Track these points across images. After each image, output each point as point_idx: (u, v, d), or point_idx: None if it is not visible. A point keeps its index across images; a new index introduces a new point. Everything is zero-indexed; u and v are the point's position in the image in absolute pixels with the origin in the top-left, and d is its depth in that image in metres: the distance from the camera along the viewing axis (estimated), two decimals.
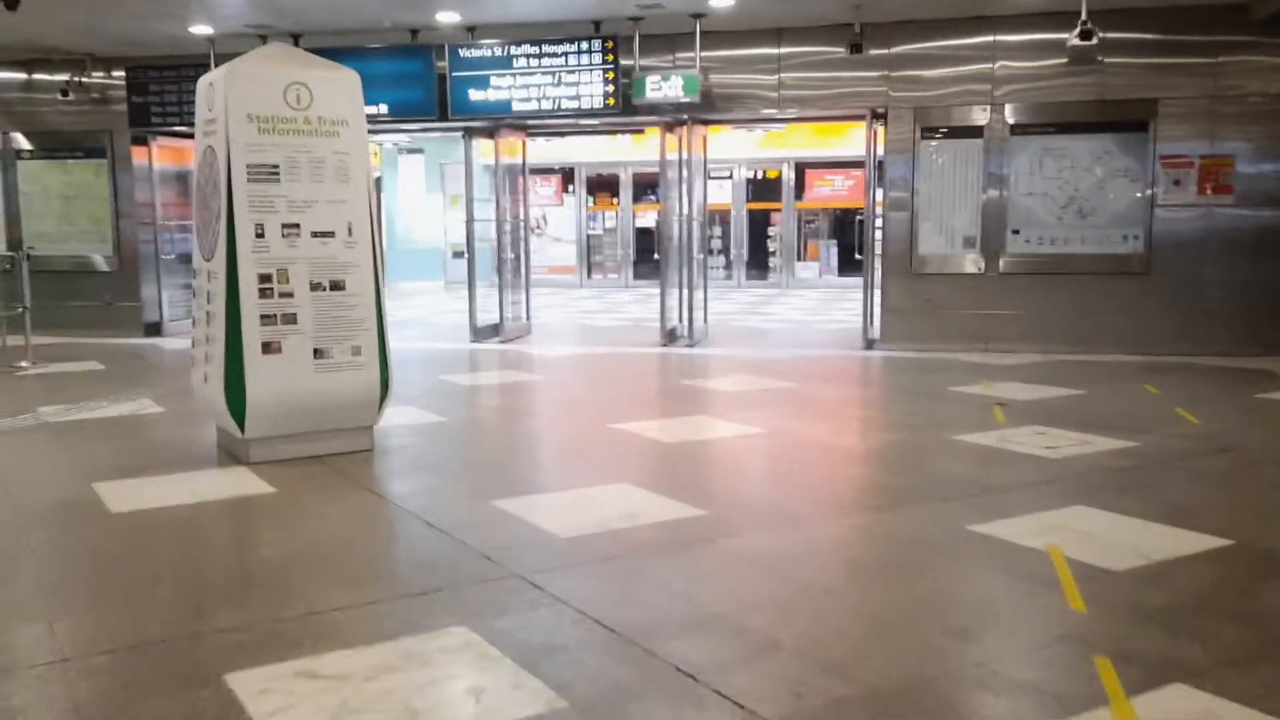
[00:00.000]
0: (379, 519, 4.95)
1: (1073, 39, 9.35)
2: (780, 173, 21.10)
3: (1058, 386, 8.44)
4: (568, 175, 22.04)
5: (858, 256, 13.35)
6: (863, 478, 5.86)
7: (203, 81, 5.97)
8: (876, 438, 6.74)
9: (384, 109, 10.94)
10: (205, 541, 4.64)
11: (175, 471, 5.66)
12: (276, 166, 5.63)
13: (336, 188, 5.81)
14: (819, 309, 16.24)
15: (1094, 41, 9.23)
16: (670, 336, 11.71)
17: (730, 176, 21.30)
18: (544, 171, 21.98)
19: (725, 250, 21.67)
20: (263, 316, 5.65)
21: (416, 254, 21.55)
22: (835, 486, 5.67)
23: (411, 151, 21.33)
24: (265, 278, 5.65)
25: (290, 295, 5.71)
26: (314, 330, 5.79)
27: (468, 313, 11.99)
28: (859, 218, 21.07)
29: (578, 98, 10.56)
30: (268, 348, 5.67)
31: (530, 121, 11.34)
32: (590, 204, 22.20)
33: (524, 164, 12.60)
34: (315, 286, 5.78)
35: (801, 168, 20.94)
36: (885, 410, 7.67)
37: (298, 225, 5.69)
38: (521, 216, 12.68)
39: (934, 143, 10.59)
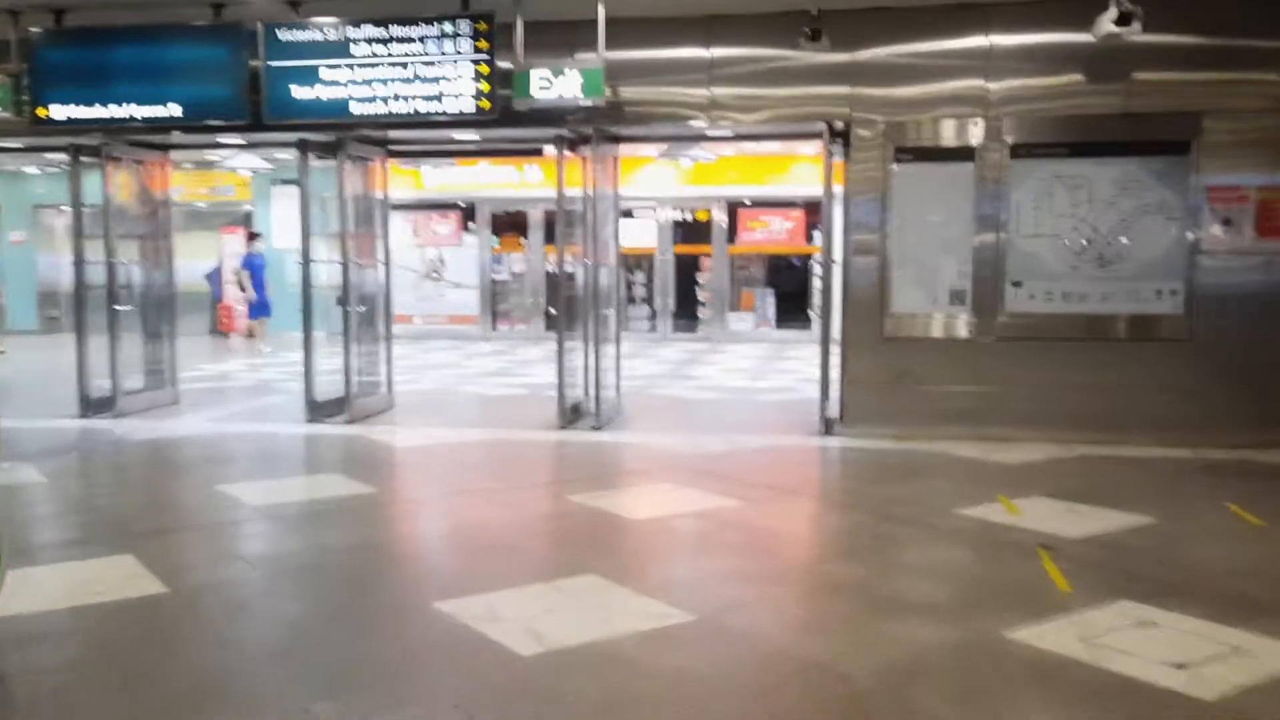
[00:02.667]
0: None
1: (1105, 23, 6.95)
2: (710, 213, 18.62)
3: (1107, 507, 5.89)
4: (468, 211, 19.30)
5: (811, 314, 10.82)
6: None
7: None
8: (890, 650, 4.02)
9: (176, 110, 8.12)
10: None
11: None
12: None
13: None
14: (758, 369, 13.66)
15: (1135, 26, 6.83)
16: (573, 414, 8.99)
17: (655, 214, 18.74)
18: (440, 206, 19.24)
19: (649, 299, 19.07)
20: None
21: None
22: None
23: (287, 182, 18.44)
24: None
25: None
26: None
27: (304, 383, 9.15)
28: (806, 262, 18.82)
29: (439, 98, 7.85)
30: None
31: (374, 130, 8.58)
32: (495, 245, 19.47)
33: (384, 191, 9.83)
34: None
35: (734, 207, 18.48)
36: (882, 566, 4.99)
37: None
38: (382, 258, 9.88)
39: (911, 168, 8.09)
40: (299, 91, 7.98)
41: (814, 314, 18.14)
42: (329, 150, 9.00)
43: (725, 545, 5.20)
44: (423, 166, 17.77)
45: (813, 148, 16.20)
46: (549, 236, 19.12)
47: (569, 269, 9.06)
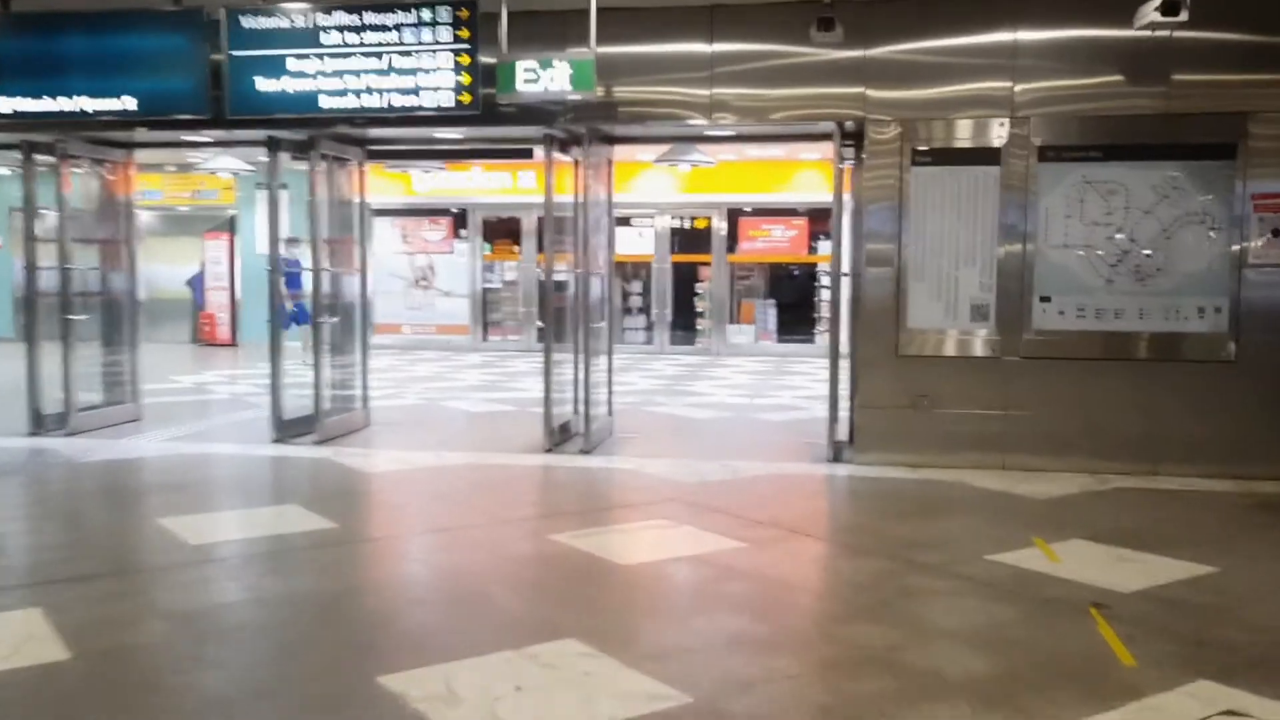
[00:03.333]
0: None
1: (1148, 11, 6.30)
2: (710, 221, 17.96)
3: (1158, 553, 5.21)
4: (459, 217, 18.64)
5: (819, 330, 10.17)
6: None
7: None
8: None
9: (130, 104, 7.45)
10: None
11: None
12: None
13: None
14: (759, 385, 12.98)
15: (1182, 15, 6.18)
16: (561, 435, 8.32)
17: (652, 221, 18.08)
18: (431, 212, 18.58)
19: (646, 310, 18.40)
20: None
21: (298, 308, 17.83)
22: None
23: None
24: None
25: None
26: None
27: (270, 399, 8.46)
28: (810, 272, 18.13)
29: (416, 91, 7.18)
30: None
31: (347, 126, 7.91)
32: (487, 252, 18.80)
33: (362, 194, 9.16)
34: None
35: (734, 215, 17.82)
36: (911, 629, 4.30)
37: None
38: (359, 265, 9.21)
39: (929, 171, 7.43)
40: (264, 84, 7.30)
41: (818, 327, 17.50)
42: (301, 149, 8.34)
43: (728, 600, 4.51)
44: (412, 171, 17.09)
45: (818, 152, 15.58)
46: (543, 244, 18.49)
47: (557, 278, 8.41)
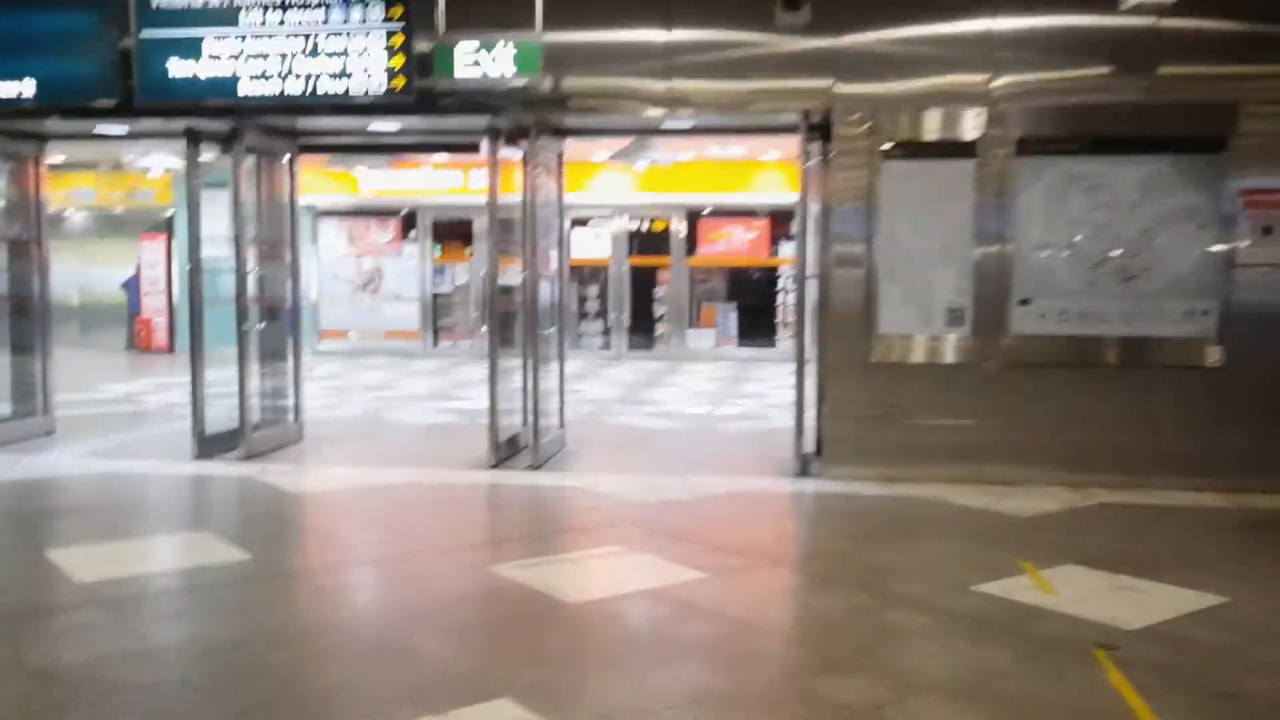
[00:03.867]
0: None
1: None
2: (668, 223, 17.43)
3: (1159, 580, 4.75)
4: (408, 219, 17.96)
5: (781, 335, 9.69)
6: None
7: None
8: None
9: (28, 88, 6.78)
10: None
11: None
12: None
13: None
14: (720, 392, 12.46)
15: None
16: (509, 449, 7.75)
17: (609, 223, 17.53)
18: (378, 213, 17.89)
19: (603, 314, 17.84)
20: None
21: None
22: None
23: (211, 185, 16.99)
24: None
25: None
26: None
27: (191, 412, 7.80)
28: (771, 275, 17.59)
29: (345, 76, 6.57)
30: None
31: (271, 115, 7.29)
32: (437, 254, 18.14)
33: (294, 191, 8.52)
34: None
35: (694, 216, 17.31)
36: (895, 680, 3.78)
37: None
38: (289, 263, 8.57)
39: (902, 166, 6.95)
40: (177, 68, 6.67)
41: (780, 332, 17.04)
42: (225, 142, 7.70)
43: (688, 646, 3.96)
44: (357, 170, 16.41)
45: (779, 151, 15.11)
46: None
47: (505, 282, 7.85)
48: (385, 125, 7.98)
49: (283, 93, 6.65)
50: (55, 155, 18.07)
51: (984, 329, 6.94)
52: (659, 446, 8.75)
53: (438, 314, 18.24)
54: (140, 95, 6.78)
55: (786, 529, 6.15)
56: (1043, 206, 6.86)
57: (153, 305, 18.37)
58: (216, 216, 8.12)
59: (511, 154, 7.61)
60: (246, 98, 6.74)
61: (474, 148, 8.78)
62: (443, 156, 16.50)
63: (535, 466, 7.43)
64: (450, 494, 6.67)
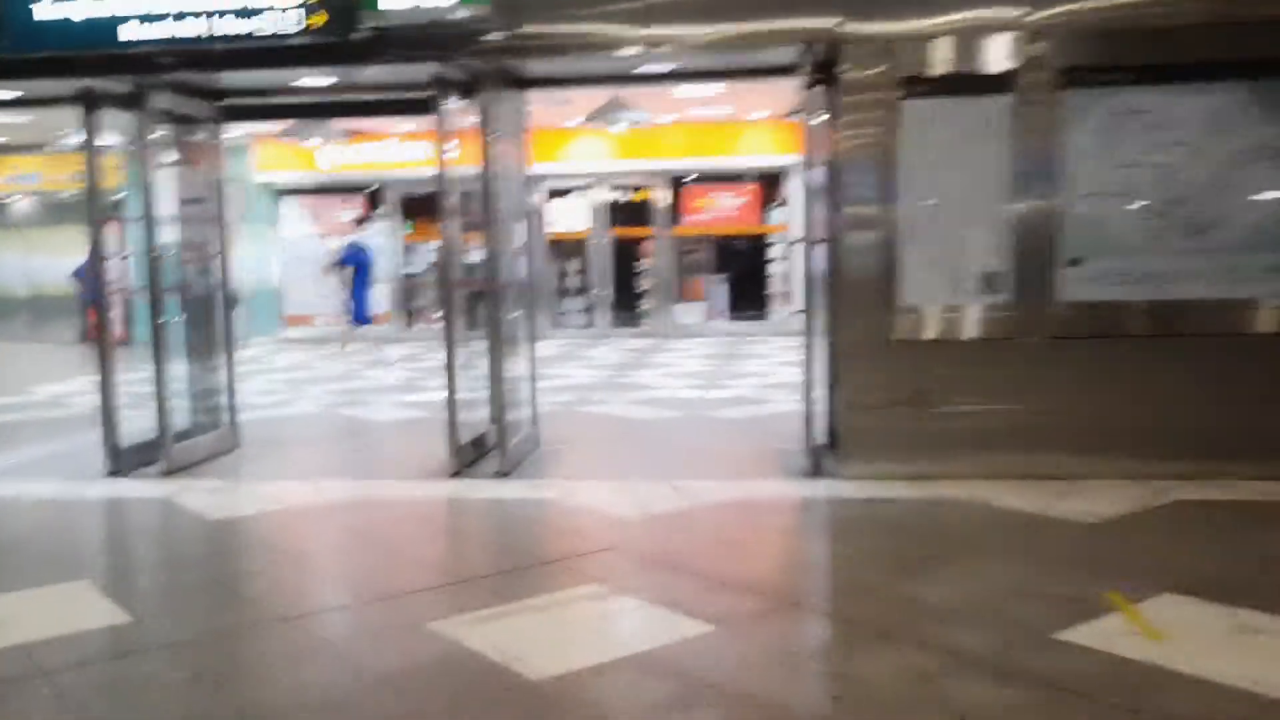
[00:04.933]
0: None
1: None
2: (651, 191, 16.29)
3: None
4: (375, 195, 16.77)
5: (796, 310, 8.61)
6: None
7: None
8: None
9: None
10: None
11: None
12: None
13: None
14: (713, 373, 11.37)
15: None
16: (474, 452, 6.69)
17: (588, 193, 16.37)
18: (341, 190, 16.69)
19: (584, 290, 16.71)
20: None
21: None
22: None
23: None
24: None
25: None
26: None
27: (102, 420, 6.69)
28: (761, 243, 16.38)
29: (251, 14, 5.41)
30: None
31: (186, 73, 6.14)
32: (407, 232, 16.95)
33: (217, 159, 7.38)
34: None
35: (678, 183, 16.17)
36: None
37: None
38: (214, 247, 7.43)
39: (925, 105, 5.84)
40: (43, 10, 5.49)
41: (775, 303, 15.97)
42: (127, 105, 6.54)
43: None
44: (313, 143, 15.19)
45: (769, 109, 13.96)
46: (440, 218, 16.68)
47: (460, 258, 6.76)
48: (316, 80, 6.84)
49: (172, 37, 5.48)
50: None
51: (1026, 296, 5.86)
52: (646, 441, 7.67)
53: (409, 296, 17.10)
54: (5, 47, 5.60)
55: (804, 551, 5.08)
56: (1094, 148, 5.76)
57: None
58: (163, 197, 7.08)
59: (462, 109, 6.50)
60: (128, 45, 5.56)
61: (426, 108, 7.62)
62: (408, 126, 15.33)
63: (503, 473, 6.35)
64: (399, 514, 5.58)
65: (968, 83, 5.81)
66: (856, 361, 6.11)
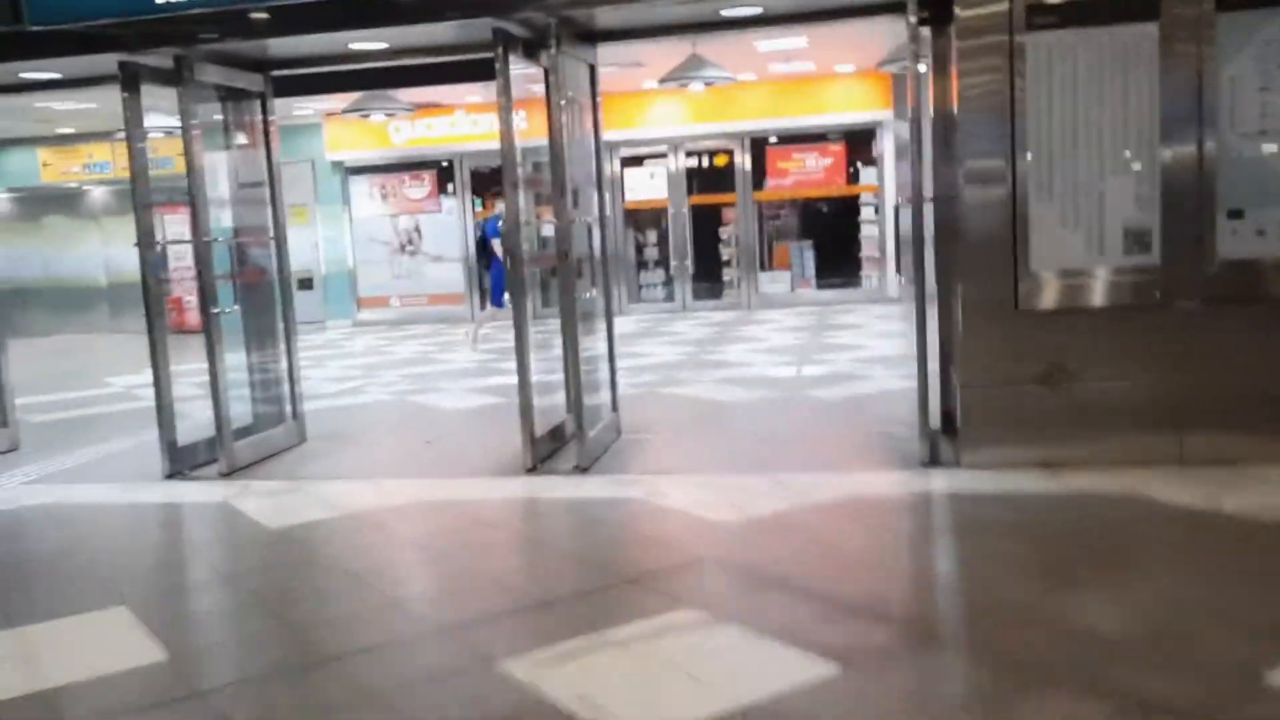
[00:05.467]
0: None
1: None
2: (731, 155, 15.53)
3: None
4: (445, 170, 16.30)
5: (896, 276, 7.97)
6: None
7: None
8: None
9: None
10: None
11: None
12: None
13: None
14: (804, 346, 10.67)
15: None
16: (551, 444, 6.15)
17: (666, 159, 15.69)
18: (412, 166, 16.27)
19: (664, 263, 16.06)
20: None
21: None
22: None
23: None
24: None
25: None
26: None
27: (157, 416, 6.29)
28: (856, 204, 15.45)
29: None
30: None
31: (234, 41, 5.65)
32: (479, 207, 16.48)
33: (268, 134, 6.91)
34: None
35: (759, 146, 15.38)
36: None
37: None
38: (274, 230, 6.98)
39: (1055, 39, 5.05)
40: None
41: (867, 268, 15.15)
42: (170, 81, 6.09)
43: None
44: (379, 117, 14.75)
45: (858, 55, 13.05)
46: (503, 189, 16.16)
47: (530, 232, 6.20)
48: (368, 44, 6.31)
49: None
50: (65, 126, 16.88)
51: (1178, 255, 5.06)
52: (737, 427, 7.03)
53: (484, 274, 16.66)
54: (32, 17, 5.15)
55: (933, 562, 4.39)
56: (1257, 79, 4.92)
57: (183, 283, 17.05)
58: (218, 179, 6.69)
59: (527, 68, 5.92)
60: (168, 5, 5.06)
61: (488, 71, 7.03)
62: (475, 98, 14.82)
63: (582, 468, 5.77)
64: (469, 520, 5.04)
65: (1104, 9, 5.00)
66: (977, 334, 5.37)
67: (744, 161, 15.46)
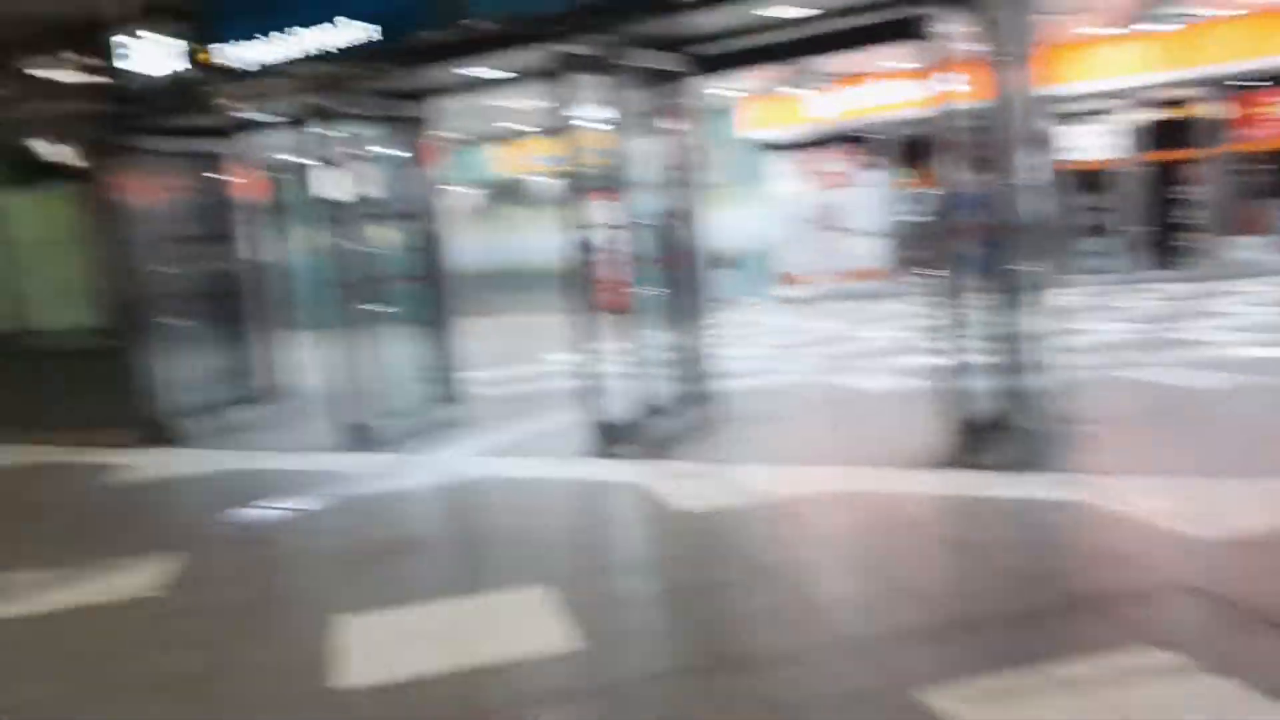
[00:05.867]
0: None
1: None
2: (1194, 106, 13.59)
3: None
4: (863, 143, 15.80)
5: None
6: None
7: None
8: None
9: (373, 33, 5.68)
10: None
11: None
12: None
13: None
14: None
15: None
16: (981, 434, 5.54)
17: (1111, 115, 14.08)
18: (828, 141, 15.96)
19: (1107, 229, 14.46)
20: None
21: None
22: None
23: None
24: None
25: None
26: None
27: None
28: None
29: None
30: None
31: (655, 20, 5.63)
32: (898, 179, 15.79)
33: (697, 117, 6.89)
34: None
35: (1231, 91, 13.30)
36: None
37: None
38: (696, 211, 6.97)
39: None
40: None
41: None
42: (596, 69, 6.23)
43: None
44: (793, 92, 14.55)
45: None
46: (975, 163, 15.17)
47: (962, 200, 5.65)
48: (787, 10, 6.04)
49: None
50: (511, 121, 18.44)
51: None
52: (1210, 420, 5.99)
53: (907, 247, 15.98)
54: (480, 12, 5.40)
55: None
56: None
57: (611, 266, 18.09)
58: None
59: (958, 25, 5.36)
60: None
61: (912, 31, 6.47)
62: (890, 65, 14.14)
63: (1018, 464, 5.13)
64: (886, 516, 4.64)
65: None
66: None
67: (1211, 111, 13.45)
